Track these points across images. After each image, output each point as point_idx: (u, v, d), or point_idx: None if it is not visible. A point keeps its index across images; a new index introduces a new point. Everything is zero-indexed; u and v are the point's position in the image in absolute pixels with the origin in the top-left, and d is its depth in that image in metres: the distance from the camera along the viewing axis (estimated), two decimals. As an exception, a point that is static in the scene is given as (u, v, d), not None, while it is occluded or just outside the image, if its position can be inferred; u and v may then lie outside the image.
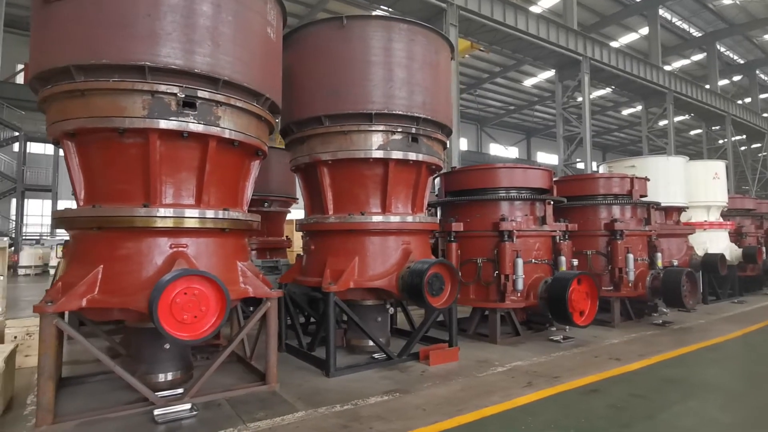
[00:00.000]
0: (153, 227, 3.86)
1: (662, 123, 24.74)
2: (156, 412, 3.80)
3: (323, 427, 3.60)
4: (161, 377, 4.34)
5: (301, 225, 5.70)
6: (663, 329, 7.35)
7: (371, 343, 5.59)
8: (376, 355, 5.51)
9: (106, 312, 3.92)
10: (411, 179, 5.49)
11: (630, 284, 7.61)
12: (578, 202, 7.99)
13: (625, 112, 35.49)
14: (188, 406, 3.94)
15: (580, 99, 18.56)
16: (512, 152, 39.17)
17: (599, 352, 5.87)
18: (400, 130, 5.20)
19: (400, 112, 5.14)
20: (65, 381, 4.63)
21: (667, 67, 25.68)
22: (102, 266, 3.79)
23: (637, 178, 8.02)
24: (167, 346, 4.29)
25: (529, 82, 30.15)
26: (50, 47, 3.79)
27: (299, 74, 5.39)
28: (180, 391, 4.21)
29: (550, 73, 25.91)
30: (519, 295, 6.48)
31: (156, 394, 4.06)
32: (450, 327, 5.97)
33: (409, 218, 5.47)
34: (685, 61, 29.45)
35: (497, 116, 36.39)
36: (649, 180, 8.39)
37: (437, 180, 7.60)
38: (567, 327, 6.70)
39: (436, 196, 7.78)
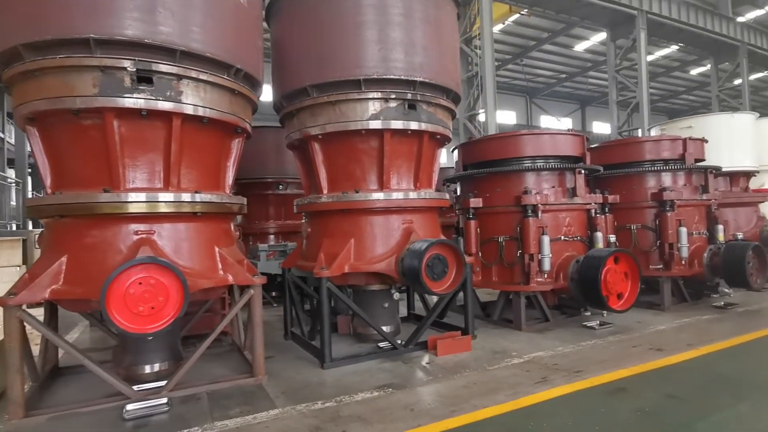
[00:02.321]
0: (116, 213, 3.61)
1: (737, 81, 22.05)
2: (128, 407, 3.61)
3: (294, 428, 3.25)
4: (147, 369, 4.18)
5: (297, 206, 5.33)
6: (723, 313, 6.37)
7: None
8: (381, 345, 5.09)
9: (80, 303, 3.77)
10: (411, 151, 4.95)
11: (683, 262, 6.65)
12: (620, 170, 7.06)
13: (694, 71, 32.04)
14: (164, 400, 3.72)
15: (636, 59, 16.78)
16: (565, 123, 36.80)
17: (639, 341, 5.11)
18: (393, 96, 4.65)
19: (392, 76, 4.60)
20: (63, 371, 4.60)
21: (739, 19, 22.74)
22: (66, 256, 3.61)
23: (691, 139, 6.94)
24: (151, 336, 4.10)
25: (581, 47, 27.85)
26: (2, 28, 3.59)
27: (285, 43, 4.97)
28: (162, 383, 4.01)
29: (603, 35, 23.80)
30: (546, 276, 5.80)
31: (135, 387, 3.89)
32: (465, 313, 5.44)
33: (412, 194, 4.95)
34: (759, 12, 25.94)
35: (548, 86, 34.15)
36: (707, 141, 7.26)
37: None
38: (604, 312, 5.93)
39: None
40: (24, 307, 3.55)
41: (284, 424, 3.32)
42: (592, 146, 7.77)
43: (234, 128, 4.32)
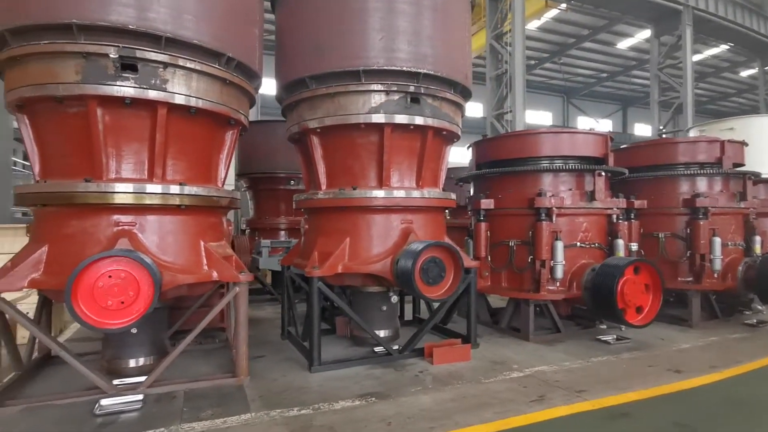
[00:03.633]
0: (95, 204, 3.54)
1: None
2: (103, 402, 3.54)
3: (261, 436, 3.08)
4: (131, 363, 4.12)
5: (295, 202, 5.17)
6: (754, 332, 5.80)
7: (377, 334, 4.96)
8: (377, 349, 4.86)
9: (59, 293, 3.71)
10: (414, 147, 4.69)
11: (715, 275, 6.10)
12: (649, 173, 6.55)
13: (744, 73, 30.12)
14: (140, 397, 3.64)
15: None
16: (605, 124, 35.39)
17: (657, 360, 4.67)
18: (395, 89, 4.40)
19: (394, 68, 4.35)
20: (55, 360, 4.60)
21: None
22: (47, 245, 3.57)
23: (730, 142, 6.36)
24: (134, 330, 4.02)
25: (624, 44, 26.59)
26: (-9, 13, 3.58)
27: (285, 31, 4.81)
28: (143, 379, 3.93)
29: (648, 32, 22.64)
30: (558, 284, 5.42)
31: (116, 381, 3.84)
32: (468, 320, 5.15)
33: (413, 193, 4.69)
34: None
35: (586, 86, 32.86)
36: (747, 145, 6.64)
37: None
38: (622, 326, 5.49)
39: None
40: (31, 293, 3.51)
41: (251, 430, 3.15)
42: (622, 147, 7.29)
43: (226, 120, 4.19)
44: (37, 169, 3.79)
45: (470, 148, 6.52)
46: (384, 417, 3.34)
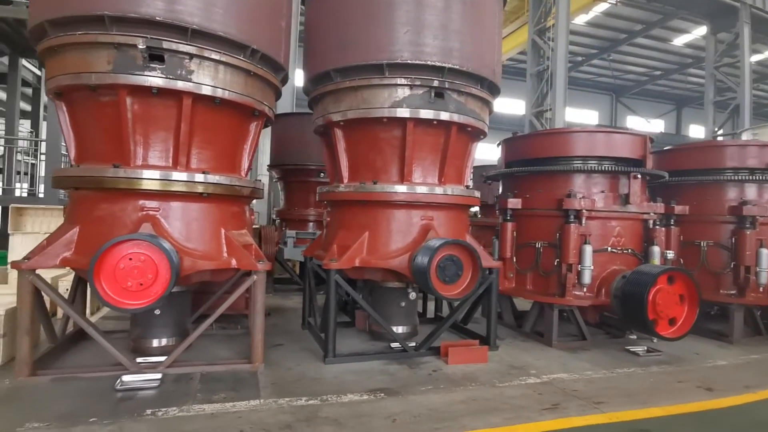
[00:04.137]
0: (122, 189, 3.69)
1: None
2: (124, 378, 3.70)
3: (266, 423, 3.12)
4: (155, 342, 4.28)
5: (318, 194, 5.20)
6: (805, 353, 5.37)
7: (395, 330, 4.94)
8: (393, 345, 4.84)
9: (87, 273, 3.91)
10: (437, 143, 4.61)
11: (761, 289, 5.69)
12: (692, 177, 6.17)
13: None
14: (159, 376, 3.78)
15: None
16: (657, 125, 33.69)
17: (688, 376, 4.41)
18: (419, 83, 4.34)
19: (418, 62, 4.28)
20: (87, 335, 4.83)
21: None
22: (79, 227, 3.76)
23: (784, 146, 5.89)
24: (158, 311, 4.19)
25: (680, 41, 25.16)
26: (33, 4, 3.79)
27: (312, 24, 4.85)
28: (164, 359, 4.08)
29: (705, 29, 21.35)
30: (585, 290, 5.21)
31: (139, 359, 4.01)
32: (488, 321, 5.04)
33: (435, 189, 4.62)
34: None
35: (638, 84, 31.36)
36: (806, 150, 6.13)
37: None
38: (654, 338, 5.21)
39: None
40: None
41: (258, 416, 3.20)
42: (665, 149, 6.92)
43: (251, 111, 4.26)
44: (72, 154, 3.99)
45: (500, 146, 6.35)
46: (390, 414, 3.32)
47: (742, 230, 5.70)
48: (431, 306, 6.42)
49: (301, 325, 5.73)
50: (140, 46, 3.52)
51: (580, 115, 31.10)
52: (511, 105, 28.62)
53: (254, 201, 4.83)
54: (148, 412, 3.20)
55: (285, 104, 9.09)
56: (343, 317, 6.05)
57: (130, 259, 3.29)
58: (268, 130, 8.04)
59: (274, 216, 8.75)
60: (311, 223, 8.20)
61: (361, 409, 3.38)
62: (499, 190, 6.72)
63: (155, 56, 3.60)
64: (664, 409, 3.55)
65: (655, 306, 4.66)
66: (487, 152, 12.50)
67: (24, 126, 14.53)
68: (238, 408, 3.32)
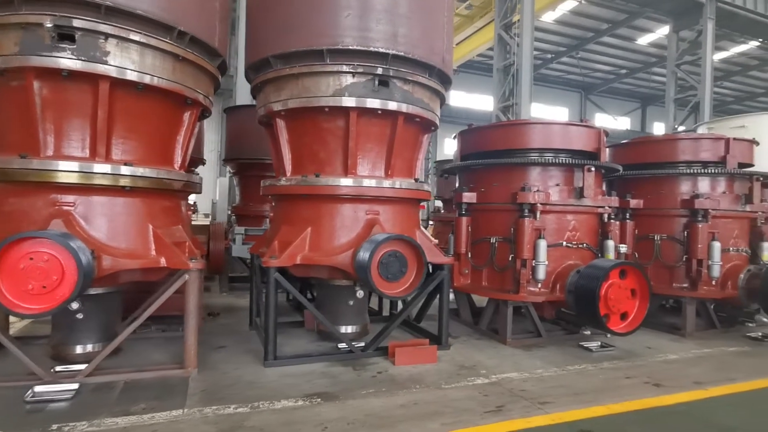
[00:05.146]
0: (32, 181, 3.36)
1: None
2: (37, 389, 3.38)
3: (184, 436, 2.87)
4: (78, 349, 3.94)
5: (262, 188, 4.93)
6: (756, 346, 5.39)
7: (343, 329, 4.73)
8: (341, 346, 4.63)
9: None
10: (383, 134, 4.40)
11: (714, 282, 5.70)
12: (647, 171, 6.15)
13: (775, 71, 28.91)
14: (76, 386, 3.47)
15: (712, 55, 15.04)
16: (623, 122, 34.43)
17: (637, 372, 4.33)
18: (361, 70, 4.12)
19: (360, 47, 4.06)
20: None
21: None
22: (-14, 223, 3.41)
23: (735, 140, 5.91)
24: (80, 315, 3.86)
25: (644, 40, 25.67)
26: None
27: (254, 7, 4.57)
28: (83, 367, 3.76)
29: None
30: (540, 286, 5.10)
31: (60, 368, 3.70)
32: (440, 319, 4.87)
33: (384, 183, 4.41)
34: None
35: (605, 81, 31.95)
36: (758, 144, 6.19)
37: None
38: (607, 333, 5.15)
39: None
40: None
41: (176, 428, 2.94)
42: (622, 142, 6.90)
43: (183, 99, 3.97)
44: (-20, 144, 3.62)
45: (456, 138, 6.20)
46: (323, 421, 3.10)
47: (695, 223, 5.69)
48: (388, 303, 6.24)
49: (249, 326, 5.47)
50: (47, 25, 3.19)
51: (551, 111, 31.48)
52: (483, 101, 28.68)
53: (218, 197, 4.54)
54: (54, 427, 2.90)
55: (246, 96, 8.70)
56: (297, 316, 5.81)
57: (32, 258, 2.97)
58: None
59: (229, 212, 8.42)
60: (267, 220, 7.91)
61: (293, 417, 3.16)
62: (456, 184, 6.58)
63: (65, 36, 3.27)
64: (608, 407, 3.44)
65: (607, 301, 4.58)
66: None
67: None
68: (156, 420, 3.05)
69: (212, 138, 23.84)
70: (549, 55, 27.31)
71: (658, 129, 35.30)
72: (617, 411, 3.39)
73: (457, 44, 20.02)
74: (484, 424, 3.13)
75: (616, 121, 33.32)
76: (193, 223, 8.16)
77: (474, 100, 29.52)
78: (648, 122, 35.86)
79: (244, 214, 7.90)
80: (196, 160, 7.24)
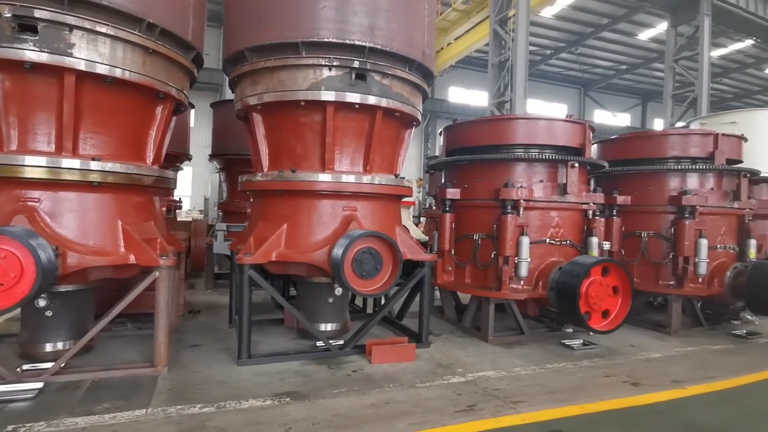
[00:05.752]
0: (-6, 176, 3.30)
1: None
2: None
3: (144, 436, 2.81)
4: (47, 347, 3.89)
5: (240, 184, 4.86)
6: (740, 344, 5.33)
7: (322, 327, 4.68)
8: (318, 344, 4.56)
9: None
10: (361, 129, 4.32)
11: (700, 279, 5.63)
12: (636, 167, 6.07)
13: (771, 69, 28.70)
14: (39, 385, 3.41)
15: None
16: (623, 119, 34.21)
17: (617, 370, 4.27)
18: (337, 64, 4.04)
19: (336, 40, 3.98)
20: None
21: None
22: (-53, 219, 3.34)
23: (724, 135, 5.83)
24: (49, 312, 3.81)
25: (644, 35, 25.46)
26: None
27: (230, 0, 4.47)
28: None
29: (669, 22, 21.58)
30: (522, 283, 5.04)
31: (27, 366, 3.65)
32: (420, 316, 4.81)
33: (363, 179, 4.34)
34: None
35: (605, 77, 31.69)
36: (746, 140, 6.10)
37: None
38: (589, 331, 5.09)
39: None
40: None
41: (137, 428, 2.89)
42: (611, 138, 6.81)
43: (155, 93, 3.89)
44: (-56, 138, 3.55)
45: (441, 134, 6.12)
46: (288, 421, 3.05)
47: (682, 220, 5.61)
48: (371, 300, 6.18)
49: (229, 324, 5.41)
50: (5, 15, 3.11)
51: (550, 108, 31.27)
52: (481, 97, 28.50)
53: (209, 193, 4.47)
54: (10, 428, 2.84)
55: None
56: (280, 314, 5.75)
57: (-10, 255, 2.91)
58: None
59: (216, 208, 8.34)
60: (254, 216, 7.83)
61: (258, 417, 3.10)
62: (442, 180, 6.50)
63: (26, 26, 3.20)
64: (582, 407, 3.38)
65: (588, 298, 4.52)
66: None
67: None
68: (118, 420, 2.99)
69: (207, 134, 23.82)
70: (548, 51, 27.11)
71: (659, 126, 35.06)
72: (591, 410, 3.33)
73: (454, 40, 19.85)
74: (453, 424, 3.07)
75: (615, 117, 33.12)
76: (179, 219, 8.12)
77: (472, 96, 29.34)
78: (648, 119, 35.62)
79: (230, 211, 7.84)
80: (180, 155, 7.17)
